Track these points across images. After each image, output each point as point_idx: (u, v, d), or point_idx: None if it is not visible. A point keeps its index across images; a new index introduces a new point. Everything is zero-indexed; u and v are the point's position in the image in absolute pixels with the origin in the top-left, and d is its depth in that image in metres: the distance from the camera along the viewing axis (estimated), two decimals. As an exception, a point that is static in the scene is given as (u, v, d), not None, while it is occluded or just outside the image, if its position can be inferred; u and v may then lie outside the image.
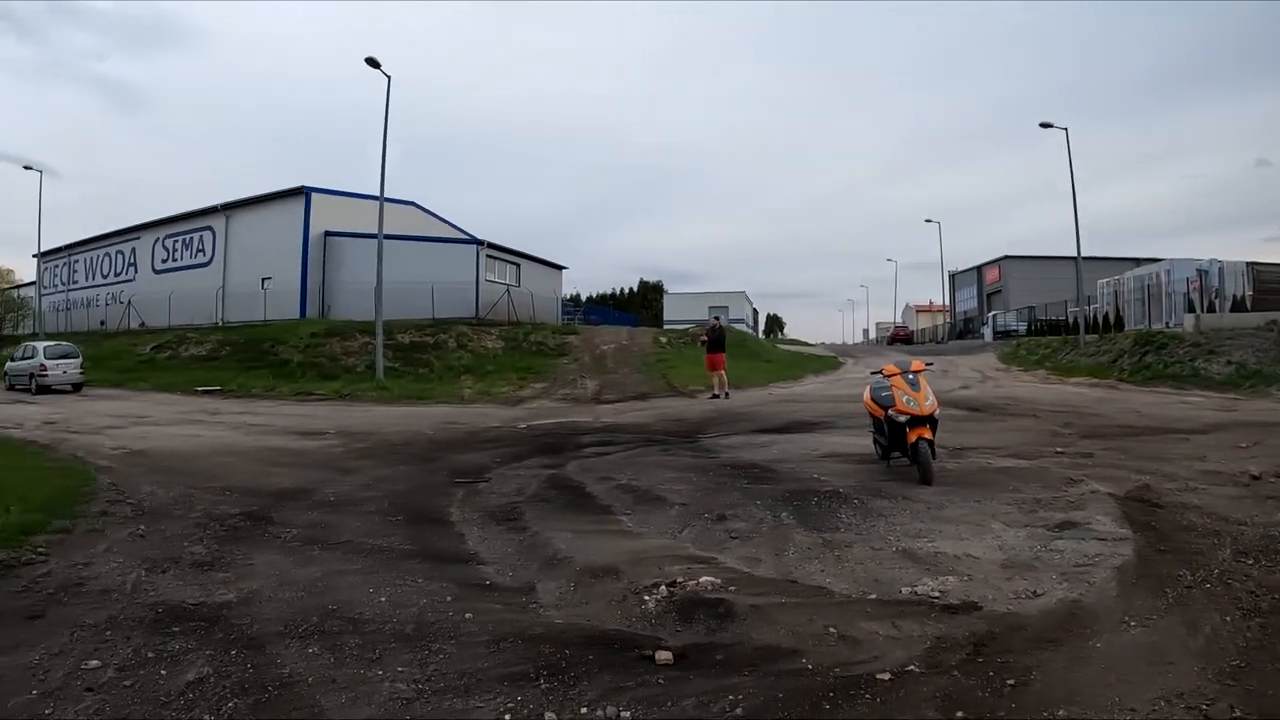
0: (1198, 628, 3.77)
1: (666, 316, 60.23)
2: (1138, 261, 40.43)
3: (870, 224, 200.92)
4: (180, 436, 12.55)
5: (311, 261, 33.88)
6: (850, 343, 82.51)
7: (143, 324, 37.34)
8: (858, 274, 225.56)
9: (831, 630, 3.86)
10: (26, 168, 40.54)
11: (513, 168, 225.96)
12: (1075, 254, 28.55)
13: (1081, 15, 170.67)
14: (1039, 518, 5.96)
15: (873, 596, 4.36)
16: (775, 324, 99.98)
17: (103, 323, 41.14)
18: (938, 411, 7.58)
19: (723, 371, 19.41)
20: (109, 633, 4.03)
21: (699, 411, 15.80)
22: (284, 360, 25.89)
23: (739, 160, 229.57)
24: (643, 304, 70.38)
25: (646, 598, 4.44)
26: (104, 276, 45.18)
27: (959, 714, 3.03)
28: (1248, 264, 26.65)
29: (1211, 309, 25.41)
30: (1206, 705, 3.01)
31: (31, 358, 25.06)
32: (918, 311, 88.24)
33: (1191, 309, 25.45)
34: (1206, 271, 26.30)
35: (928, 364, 8.44)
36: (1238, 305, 25.65)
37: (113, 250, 44.66)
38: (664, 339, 30.44)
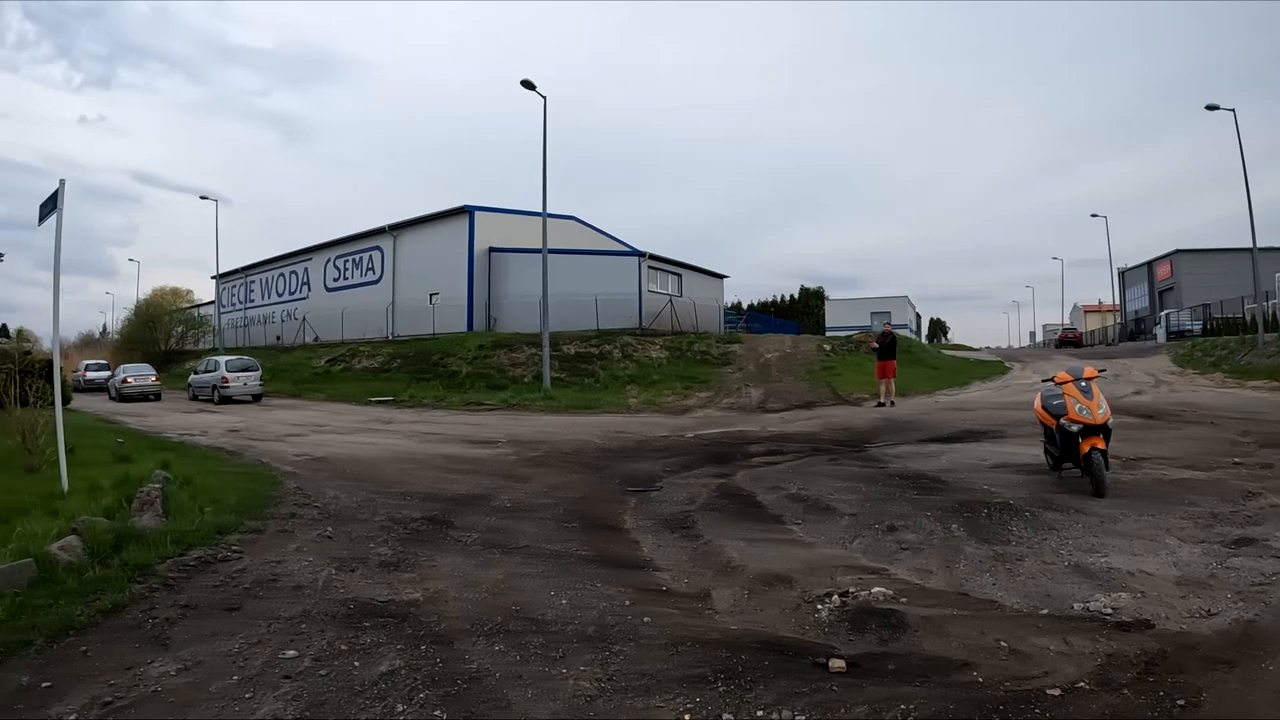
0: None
1: (828, 323, 60.25)
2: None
3: (1034, 220, 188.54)
4: (358, 444, 13.40)
5: (477, 276, 35.64)
6: (1016, 346, 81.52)
7: (316, 338, 40.73)
8: (1022, 273, 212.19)
9: (1003, 644, 3.92)
10: (202, 198, 45.23)
11: (667, 177, 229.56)
12: (1251, 245, 26.96)
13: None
14: (1215, 533, 5.90)
15: (1044, 611, 4.39)
16: (938, 328, 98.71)
17: (278, 338, 45.30)
18: (1111, 420, 7.49)
19: (891, 379, 19.50)
20: (303, 626, 4.33)
21: (866, 420, 15.85)
22: (453, 371, 27.26)
23: (897, 159, 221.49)
24: (804, 311, 70.17)
25: (819, 606, 4.57)
26: (279, 295, 49.76)
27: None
28: None
29: None
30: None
31: (214, 371, 27.62)
32: (1086, 312, 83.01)
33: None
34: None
35: (1100, 370, 8.23)
36: None
37: (286, 270, 49.20)
38: (827, 346, 30.42)
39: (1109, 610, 4.29)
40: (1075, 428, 7.38)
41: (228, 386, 26.44)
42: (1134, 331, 57.78)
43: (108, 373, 34.92)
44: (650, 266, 35.28)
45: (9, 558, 5.01)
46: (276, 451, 12.24)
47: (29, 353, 17.92)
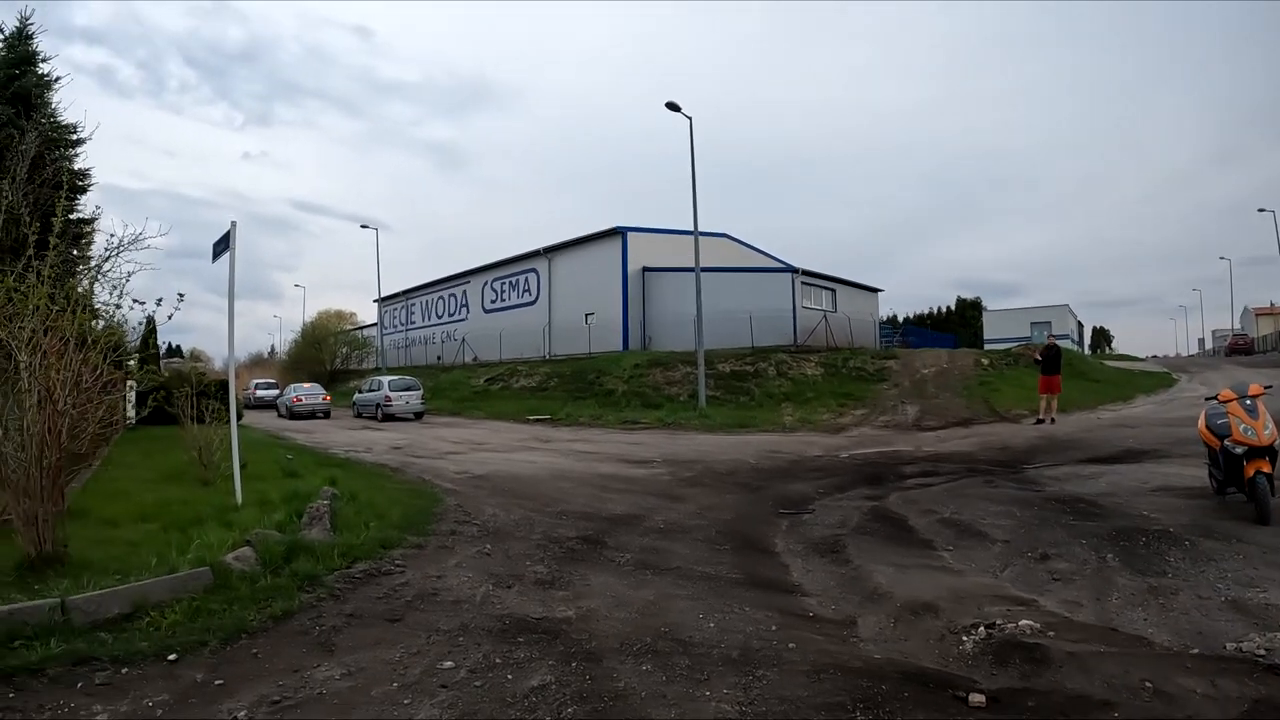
0: None
1: (986, 335, 58.53)
2: None
3: (1198, 217, 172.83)
4: (517, 462, 13.98)
5: (631, 296, 36.43)
6: (1184, 355, 79.04)
7: (475, 358, 42.90)
8: (1187, 275, 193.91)
9: (1147, 684, 3.82)
10: (363, 227, 49.82)
11: (816, 190, 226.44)
12: None
13: None
14: (1387, 569, 5.57)
15: (1194, 650, 4.28)
16: (1101, 338, 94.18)
17: (439, 358, 48.07)
18: (1278, 441, 7.06)
19: (1055, 395, 19.02)
20: (461, 638, 4.63)
21: (1024, 438, 15.54)
22: (609, 390, 27.94)
23: (1053, 159, 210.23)
24: (960, 322, 67.79)
25: (964, 638, 4.55)
26: (438, 316, 52.93)
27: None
28: None
29: None
30: None
31: (377, 390, 29.48)
32: (1257, 315, 75.51)
33: None
34: None
35: (1266, 386, 7.78)
36: None
37: (445, 293, 52.21)
38: (985, 360, 29.45)
39: (1262, 652, 4.15)
40: (1239, 449, 7.09)
41: (391, 405, 28.13)
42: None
43: (276, 391, 38.06)
44: (803, 282, 35.01)
45: (187, 565, 5.61)
46: (438, 469, 12.93)
47: (204, 374, 19.68)
